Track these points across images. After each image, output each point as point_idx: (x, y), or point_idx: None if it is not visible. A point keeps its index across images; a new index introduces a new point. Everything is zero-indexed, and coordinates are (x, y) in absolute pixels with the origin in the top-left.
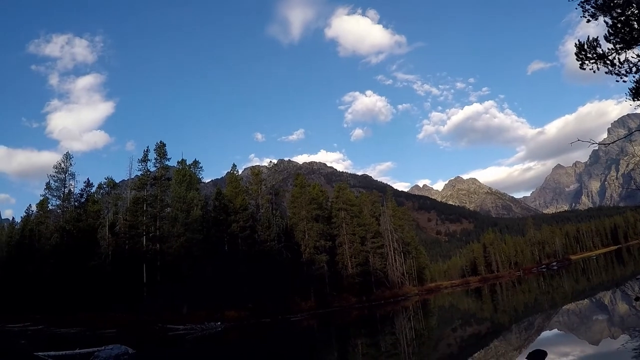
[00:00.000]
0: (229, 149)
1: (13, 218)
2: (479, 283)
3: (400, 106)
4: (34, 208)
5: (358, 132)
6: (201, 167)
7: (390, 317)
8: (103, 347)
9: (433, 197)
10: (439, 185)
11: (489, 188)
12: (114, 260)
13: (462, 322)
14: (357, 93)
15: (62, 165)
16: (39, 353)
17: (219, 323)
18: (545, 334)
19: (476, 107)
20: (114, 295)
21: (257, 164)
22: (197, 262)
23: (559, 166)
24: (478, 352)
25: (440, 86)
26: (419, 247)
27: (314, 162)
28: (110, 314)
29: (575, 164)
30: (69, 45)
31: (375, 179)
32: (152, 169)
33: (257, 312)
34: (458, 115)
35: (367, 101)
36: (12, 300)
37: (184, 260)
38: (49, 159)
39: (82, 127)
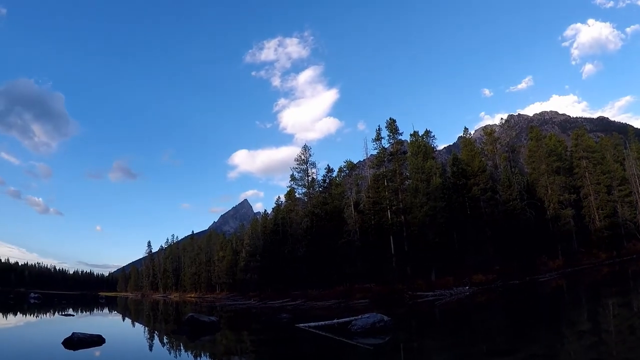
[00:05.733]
0: (458, 111)
1: (265, 210)
2: None
3: (628, 29)
4: (282, 199)
5: (588, 67)
6: (433, 136)
7: None
8: (359, 316)
9: None
10: None
11: None
12: (361, 236)
13: None
14: (578, 24)
15: (302, 156)
16: (300, 324)
17: (467, 287)
18: None
19: None
20: (365, 268)
21: (488, 121)
22: (442, 228)
23: None
24: None
25: None
26: None
27: (545, 111)
28: (362, 286)
29: None
30: (281, 47)
31: (612, 119)
32: (387, 145)
33: (504, 274)
34: None
35: (591, 31)
36: (272, 281)
37: (428, 228)
38: (287, 152)
39: (313, 117)
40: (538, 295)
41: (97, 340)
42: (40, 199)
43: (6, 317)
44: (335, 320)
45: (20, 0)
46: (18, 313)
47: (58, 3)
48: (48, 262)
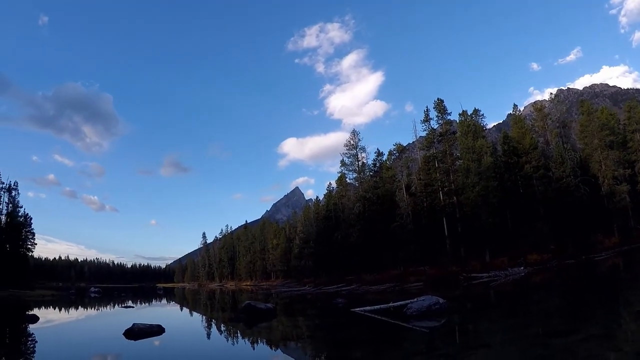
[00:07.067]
0: (507, 88)
1: (317, 197)
2: None
3: None
4: (333, 185)
5: (638, 35)
6: (482, 115)
7: None
8: (415, 299)
9: None
10: None
11: None
12: (414, 219)
13: None
14: None
15: (352, 141)
16: (356, 309)
17: (521, 268)
18: None
19: None
20: (418, 251)
21: (538, 96)
22: (495, 208)
23: None
24: None
25: None
26: None
27: (595, 84)
28: (416, 269)
29: None
30: (322, 32)
31: None
32: (436, 126)
33: (559, 253)
34: None
35: None
36: (326, 267)
37: (481, 208)
38: (336, 138)
39: (359, 102)
40: (594, 275)
41: (157, 330)
42: (95, 197)
43: (68, 312)
44: (390, 304)
45: (59, 7)
46: (80, 307)
47: (94, 7)
48: (106, 257)
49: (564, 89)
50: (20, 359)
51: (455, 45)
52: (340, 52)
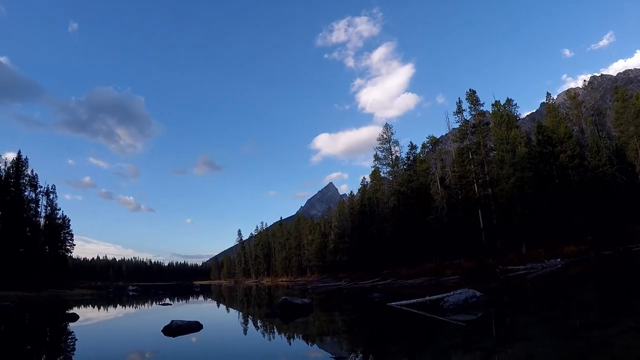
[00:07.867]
0: (539, 75)
1: (351, 192)
2: None
3: None
4: (367, 179)
5: None
6: (515, 104)
7: None
8: (452, 293)
9: None
10: None
11: None
12: (449, 211)
13: None
14: None
15: (384, 135)
16: (392, 303)
17: (558, 259)
18: None
19: None
20: (453, 244)
21: (571, 84)
22: (530, 199)
23: None
24: None
25: None
26: None
27: (629, 69)
28: (452, 262)
29: None
30: (351, 27)
31: None
32: (468, 117)
33: (596, 244)
34: None
35: None
36: (361, 261)
37: (516, 200)
38: (368, 132)
39: (390, 95)
40: (632, 266)
41: (194, 327)
42: (131, 197)
43: (107, 310)
44: (427, 298)
45: (87, 13)
46: (118, 305)
47: (122, 12)
48: (144, 256)
49: (598, 75)
50: (61, 356)
51: (485, 34)
52: (370, 45)
